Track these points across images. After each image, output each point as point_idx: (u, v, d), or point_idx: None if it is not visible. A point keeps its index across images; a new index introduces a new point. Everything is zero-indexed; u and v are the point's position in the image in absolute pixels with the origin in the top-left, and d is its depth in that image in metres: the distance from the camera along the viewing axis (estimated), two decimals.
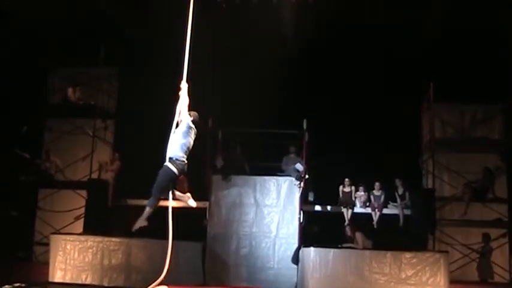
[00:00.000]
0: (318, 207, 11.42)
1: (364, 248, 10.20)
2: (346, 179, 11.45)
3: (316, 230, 11.37)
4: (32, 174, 11.78)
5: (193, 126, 6.58)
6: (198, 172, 10.24)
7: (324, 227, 11.41)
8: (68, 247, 10.05)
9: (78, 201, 11.67)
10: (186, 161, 6.52)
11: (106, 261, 9.97)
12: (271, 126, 11.13)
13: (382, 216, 11.17)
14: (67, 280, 9.90)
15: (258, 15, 11.05)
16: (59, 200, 12.16)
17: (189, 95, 6.56)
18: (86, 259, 10.00)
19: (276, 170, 11.12)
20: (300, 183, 10.55)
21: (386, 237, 10.70)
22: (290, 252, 10.33)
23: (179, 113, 6.53)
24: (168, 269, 6.30)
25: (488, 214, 11.28)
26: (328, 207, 11.48)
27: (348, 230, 10.86)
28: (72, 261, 9.99)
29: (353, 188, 11.45)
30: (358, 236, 10.54)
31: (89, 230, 10.71)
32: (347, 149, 11.38)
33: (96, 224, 10.80)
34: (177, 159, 6.43)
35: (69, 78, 12.46)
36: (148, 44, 11.99)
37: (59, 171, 12.03)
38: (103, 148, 12.39)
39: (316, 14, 11.03)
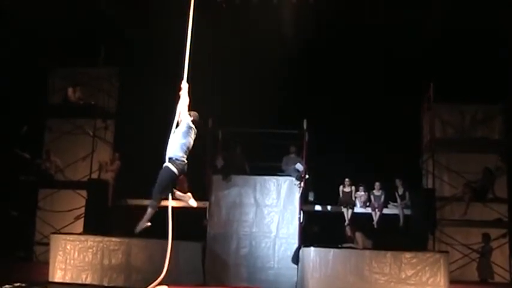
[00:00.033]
0: (318, 207, 11.41)
1: (364, 248, 10.18)
2: (346, 179, 11.45)
3: (316, 230, 11.37)
4: (32, 174, 11.79)
5: (193, 126, 6.57)
6: (198, 172, 10.24)
7: (324, 227, 11.41)
8: (68, 247, 10.06)
9: (78, 201, 11.67)
10: (186, 161, 6.51)
11: (106, 261, 9.98)
12: (271, 126, 11.12)
13: (382, 216, 11.16)
14: (67, 280, 9.91)
15: (258, 15, 11.05)
16: (59, 200, 12.17)
17: (189, 95, 6.56)
18: (86, 259, 10.01)
19: (276, 170, 11.11)
20: (300, 183, 10.54)
21: (387, 237, 10.69)
22: (290, 252, 10.32)
23: (179, 113, 6.53)
24: (168, 269, 6.31)
25: (488, 214, 11.28)
26: (328, 207, 11.47)
27: (348, 230, 10.85)
28: (72, 261, 10.00)
29: (353, 188, 11.44)
30: (358, 236, 10.53)
31: (89, 230, 10.70)
32: (347, 149, 11.38)
33: (96, 224, 10.79)
34: (177, 159, 6.42)
35: (69, 78, 12.47)
36: (148, 44, 12.00)
37: (59, 171, 12.03)
38: (103, 148, 12.39)
39: (316, 14, 11.03)
